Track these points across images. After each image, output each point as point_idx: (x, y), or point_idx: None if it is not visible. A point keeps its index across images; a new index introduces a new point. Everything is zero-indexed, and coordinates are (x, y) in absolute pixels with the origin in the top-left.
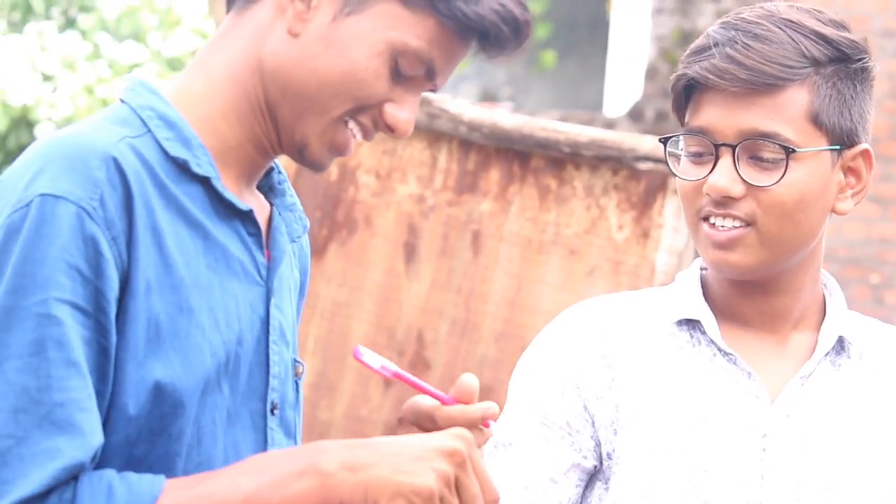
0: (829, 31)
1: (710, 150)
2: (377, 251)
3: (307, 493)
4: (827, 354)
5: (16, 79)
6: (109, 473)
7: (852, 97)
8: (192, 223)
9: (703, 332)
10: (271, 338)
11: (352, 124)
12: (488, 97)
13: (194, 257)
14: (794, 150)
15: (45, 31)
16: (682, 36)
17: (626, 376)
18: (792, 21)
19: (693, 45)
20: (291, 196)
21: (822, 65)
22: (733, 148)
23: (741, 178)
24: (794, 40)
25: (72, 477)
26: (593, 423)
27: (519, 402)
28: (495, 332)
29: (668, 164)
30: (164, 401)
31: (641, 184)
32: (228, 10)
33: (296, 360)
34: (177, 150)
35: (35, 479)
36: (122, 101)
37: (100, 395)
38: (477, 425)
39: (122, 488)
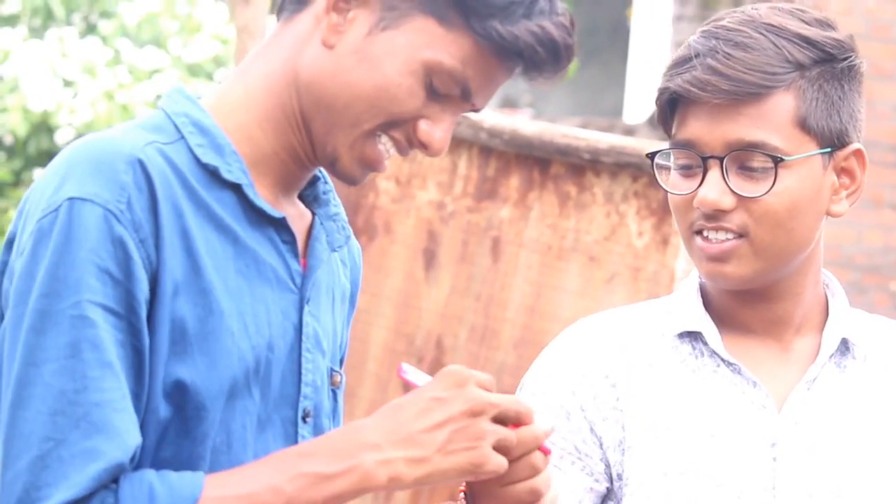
0: (812, 33)
1: (699, 162)
2: (397, 257)
3: (351, 490)
4: (831, 357)
5: (36, 84)
6: (149, 474)
7: (840, 98)
8: (223, 228)
9: (706, 344)
10: (304, 345)
11: (384, 139)
12: (508, 104)
13: (224, 262)
14: (782, 159)
15: (66, 37)
16: None
17: (630, 395)
18: (773, 25)
19: (674, 57)
20: (335, 206)
21: (807, 68)
22: (721, 160)
23: (731, 189)
24: (776, 45)
25: (113, 479)
26: (601, 444)
27: None
28: (514, 339)
29: (657, 178)
30: (186, 403)
31: (661, 191)
32: (278, 19)
33: (333, 370)
34: (208, 157)
35: (77, 481)
36: (160, 107)
37: (136, 396)
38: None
39: (164, 489)
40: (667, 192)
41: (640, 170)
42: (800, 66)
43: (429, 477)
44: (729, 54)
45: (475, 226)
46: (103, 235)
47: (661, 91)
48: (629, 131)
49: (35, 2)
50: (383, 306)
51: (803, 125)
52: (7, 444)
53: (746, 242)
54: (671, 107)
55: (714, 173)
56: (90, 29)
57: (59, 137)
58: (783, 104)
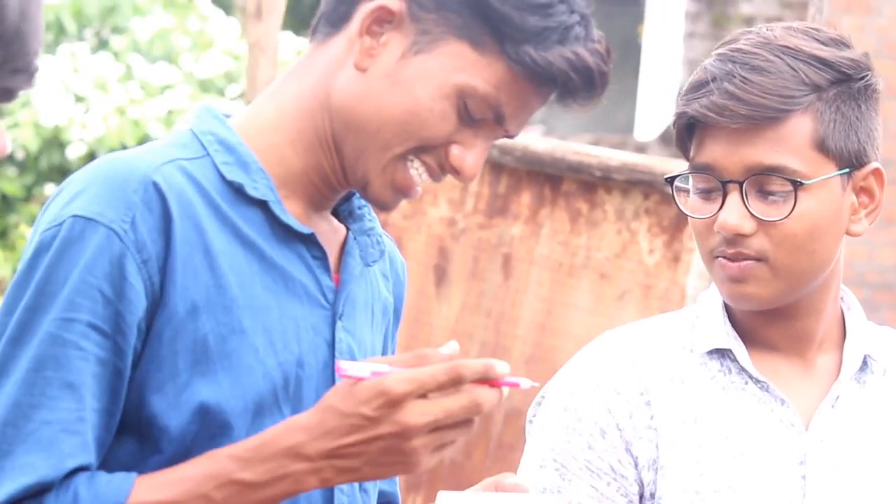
0: (828, 54)
1: (718, 186)
2: (408, 273)
3: (281, 495)
4: (853, 373)
5: (48, 99)
6: (78, 479)
7: (857, 118)
8: (249, 245)
9: (734, 360)
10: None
11: (417, 164)
12: None
13: (250, 278)
14: (801, 183)
15: (78, 53)
16: None
17: (664, 413)
18: (789, 47)
19: (691, 80)
20: (370, 221)
21: (824, 89)
22: (740, 184)
23: (751, 213)
24: (792, 68)
25: (38, 492)
26: (636, 464)
27: (556, 442)
28: (525, 356)
29: (676, 202)
30: (210, 422)
31: (672, 208)
32: (311, 41)
33: None
34: (234, 174)
35: (4, 490)
36: (188, 126)
37: (110, 413)
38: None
39: (88, 495)
40: (687, 215)
41: (651, 187)
42: (817, 88)
43: (361, 480)
44: (746, 78)
45: (486, 242)
46: (101, 254)
47: (679, 115)
48: (640, 148)
49: (47, 17)
50: None
51: (822, 147)
52: None
53: (766, 266)
54: (689, 130)
55: (734, 197)
56: (102, 44)
57: (71, 153)
58: (801, 127)
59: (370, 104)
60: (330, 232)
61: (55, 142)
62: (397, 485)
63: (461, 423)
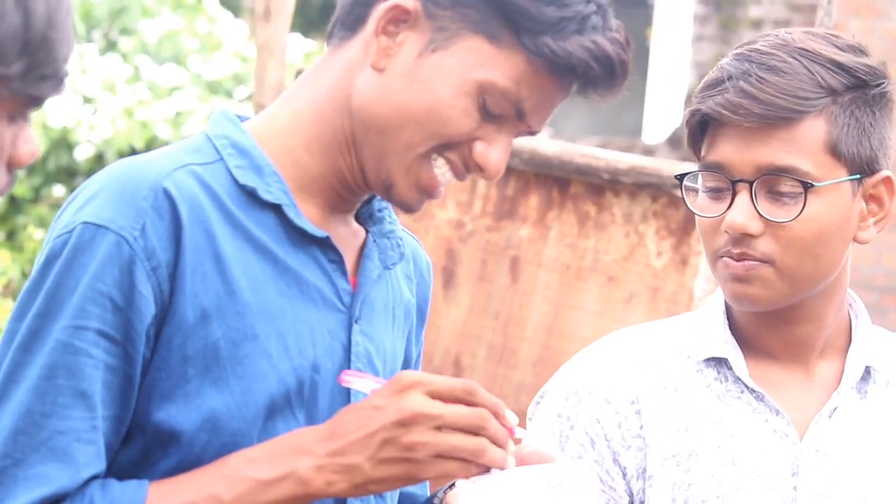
0: (845, 59)
1: (727, 185)
2: None
3: (289, 498)
4: (854, 383)
5: (56, 100)
6: (92, 488)
7: (871, 124)
8: (262, 250)
9: (730, 369)
10: (354, 365)
11: (440, 162)
12: None
13: (263, 283)
14: (812, 185)
15: (86, 54)
16: None
17: (654, 421)
18: (807, 50)
19: (706, 79)
20: (391, 223)
21: (839, 93)
22: (750, 184)
23: (759, 214)
24: (809, 70)
25: (54, 502)
26: (624, 475)
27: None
28: (533, 358)
29: (685, 201)
30: (221, 428)
31: (680, 211)
32: (328, 45)
33: None
34: (247, 178)
35: (21, 501)
36: (203, 130)
37: (119, 420)
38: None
39: (104, 503)
40: (695, 214)
41: (659, 190)
42: (832, 92)
43: (365, 486)
44: (762, 78)
45: (494, 245)
46: (111, 261)
47: (693, 112)
48: (648, 151)
49: None
50: None
51: (834, 151)
52: None
53: (771, 268)
54: (702, 129)
55: (743, 197)
56: (110, 46)
57: (79, 154)
58: (815, 129)
59: (390, 104)
60: (349, 235)
61: (63, 143)
62: (427, 488)
63: (467, 432)
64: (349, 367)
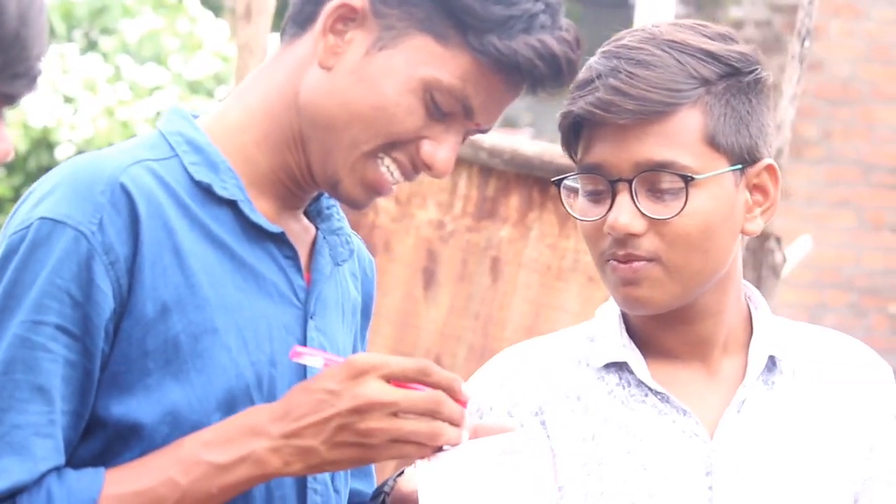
0: (716, 47)
1: (607, 187)
2: (396, 276)
3: (246, 480)
4: (759, 376)
5: (37, 100)
6: (49, 479)
7: (748, 112)
8: (219, 244)
9: (632, 372)
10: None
11: (387, 161)
12: (508, 123)
13: (221, 278)
14: (692, 178)
15: (67, 54)
16: None
17: (560, 432)
18: (675, 41)
19: (576, 80)
20: (339, 220)
21: (713, 83)
22: (629, 182)
23: (641, 212)
24: (679, 62)
25: (11, 495)
26: None
27: None
28: None
29: (564, 206)
30: (182, 421)
31: None
32: (281, 42)
33: None
34: (202, 174)
35: None
36: (157, 127)
37: (79, 415)
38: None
39: (61, 493)
40: (577, 218)
41: None
42: (705, 82)
43: (320, 466)
44: (632, 73)
45: (475, 245)
46: (69, 256)
47: (565, 115)
48: None
49: None
50: (382, 325)
51: (712, 142)
52: None
53: (658, 266)
54: (576, 131)
55: (623, 197)
56: (91, 45)
57: (60, 153)
58: (690, 121)
59: (336, 101)
60: (301, 231)
61: (44, 143)
62: (373, 483)
63: (422, 416)
64: (305, 368)
